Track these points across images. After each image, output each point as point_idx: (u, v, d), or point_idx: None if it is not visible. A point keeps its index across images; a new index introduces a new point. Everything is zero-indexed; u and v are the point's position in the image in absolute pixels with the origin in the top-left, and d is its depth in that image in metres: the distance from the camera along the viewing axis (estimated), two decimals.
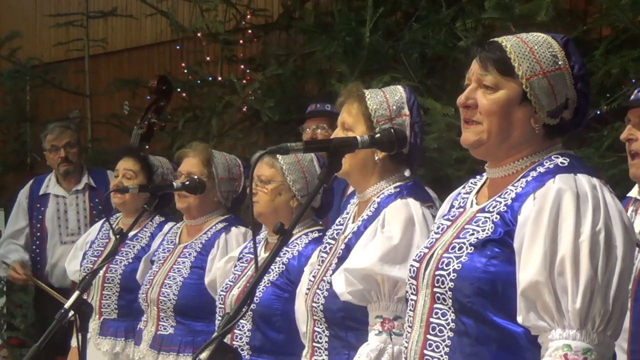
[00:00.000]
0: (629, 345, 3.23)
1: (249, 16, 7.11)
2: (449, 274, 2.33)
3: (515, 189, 2.36)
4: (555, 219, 2.24)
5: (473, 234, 2.35)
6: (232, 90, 6.75)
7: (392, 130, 2.92)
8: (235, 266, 3.81)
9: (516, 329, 2.28)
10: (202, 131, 6.75)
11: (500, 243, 2.31)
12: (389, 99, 3.06)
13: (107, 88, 8.14)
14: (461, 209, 2.50)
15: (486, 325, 2.29)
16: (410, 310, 2.46)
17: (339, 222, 3.22)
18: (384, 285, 2.89)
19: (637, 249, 2.89)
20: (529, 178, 2.35)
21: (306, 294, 3.15)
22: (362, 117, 3.05)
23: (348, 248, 3.03)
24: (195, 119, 6.96)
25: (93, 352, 4.51)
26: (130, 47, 9.13)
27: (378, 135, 2.91)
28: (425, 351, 2.37)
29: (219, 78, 7.10)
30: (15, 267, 6.01)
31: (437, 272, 2.36)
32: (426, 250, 2.46)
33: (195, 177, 4.18)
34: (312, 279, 3.15)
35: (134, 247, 4.68)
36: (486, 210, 2.38)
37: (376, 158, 3.04)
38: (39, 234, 6.19)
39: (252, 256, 3.69)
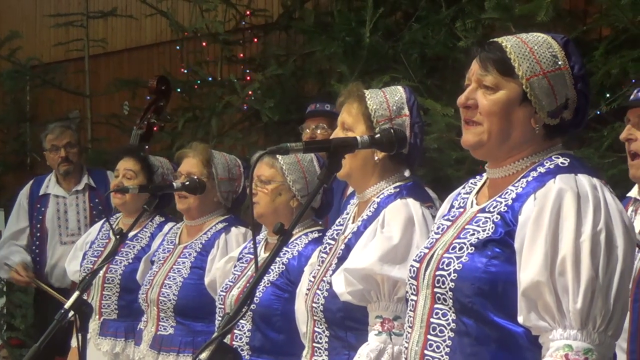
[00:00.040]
0: (628, 345, 3.23)
1: (247, 14, 7.10)
2: (449, 274, 2.33)
3: (516, 189, 2.36)
4: (556, 219, 2.24)
5: (473, 234, 2.35)
6: (232, 91, 6.75)
7: (392, 131, 2.92)
8: (235, 266, 3.81)
9: (516, 329, 2.28)
10: (201, 131, 6.75)
11: (501, 243, 2.31)
12: (389, 99, 3.06)
13: (107, 88, 8.14)
14: (461, 209, 2.50)
15: (486, 325, 2.29)
16: (410, 310, 2.46)
17: (339, 222, 3.22)
18: (383, 285, 2.89)
19: (637, 249, 2.89)
20: (530, 178, 2.35)
21: (306, 294, 3.15)
22: (362, 117, 3.05)
23: (348, 248, 3.03)
24: (195, 119, 6.96)
25: (93, 352, 4.50)
26: (130, 47, 9.13)
27: (378, 135, 2.91)
28: (425, 351, 2.37)
29: (219, 78, 7.10)
30: (18, 269, 6.00)
31: (437, 273, 2.36)
32: (426, 251, 2.46)
33: (195, 177, 4.18)
34: (312, 279, 3.15)
35: (134, 247, 4.68)
36: (486, 210, 2.38)
37: (376, 158, 3.04)
38: (39, 234, 6.19)
39: (252, 256, 3.69)
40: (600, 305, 2.19)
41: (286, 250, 3.55)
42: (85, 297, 3.78)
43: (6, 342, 8.00)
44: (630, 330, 3.21)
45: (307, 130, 5.19)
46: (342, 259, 3.01)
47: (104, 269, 4.56)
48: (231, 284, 3.72)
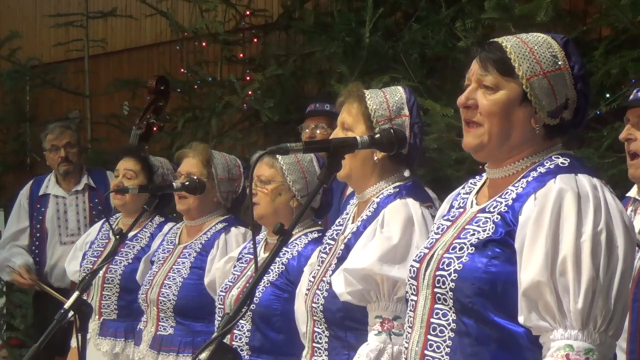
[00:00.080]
0: (628, 345, 3.23)
1: (247, 14, 7.10)
2: (449, 275, 2.33)
3: (516, 189, 2.36)
4: (557, 219, 2.24)
5: (474, 234, 2.35)
6: (231, 91, 6.75)
7: (392, 131, 2.92)
8: (235, 266, 3.81)
9: (517, 329, 2.28)
10: (201, 131, 6.75)
11: (501, 243, 2.31)
12: (389, 99, 3.06)
13: (107, 88, 8.14)
14: (461, 209, 2.50)
15: (487, 326, 2.29)
16: (410, 310, 2.46)
17: (339, 222, 3.22)
18: (383, 285, 2.89)
19: (637, 249, 2.89)
20: (530, 178, 2.35)
21: (306, 294, 3.15)
22: (361, 117, 3.05)
23: (347, 248, 3.03)
24: (195, 119, 6.95)
25: (93, 352, 4.50)
26: (130, 47, 9.12)
27: (378, 135, 2.91)
28: (425, 351, 2.37)
29: (219, 78, 7.10)
30: (20, 271, 5.99)
31: (437, 273, 2.36)
32: (426, 251, 2.46)
33: (195, 177, 4.18)
34: (312, 279, 3.15)
35: (133, 247, 4.68)
36: (487, 210, 2.38)
37: (375, 158, 3.04)
38: (38, 234, 6.19)
39: (252, 256, 3.69)
40: (601, 305, 2.19)
41: (286, 251, 3.55)
42: (85, 297, 3.78)
43: (6, 342, 8.00)
44: (630, 330, 3.21)
45: (307, 129, 5.19)
46: (341, 259, 3.01)
47: (104, 269, 4.56)
48: (231, 284, 3.72)
